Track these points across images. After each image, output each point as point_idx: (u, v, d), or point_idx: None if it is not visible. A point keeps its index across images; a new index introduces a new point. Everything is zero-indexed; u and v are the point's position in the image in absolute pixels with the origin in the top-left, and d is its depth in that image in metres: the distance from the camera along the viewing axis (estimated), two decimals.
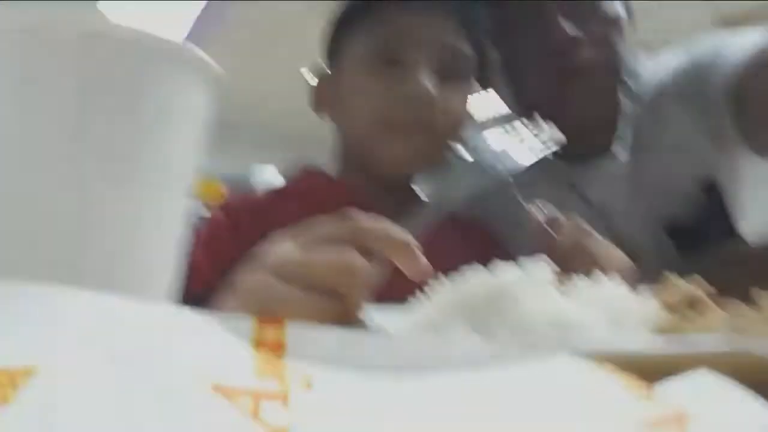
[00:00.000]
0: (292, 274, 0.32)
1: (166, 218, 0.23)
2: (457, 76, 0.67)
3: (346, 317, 0.32)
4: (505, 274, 0.36)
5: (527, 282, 0.36)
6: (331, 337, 0.18)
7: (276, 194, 0.70)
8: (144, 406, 0.12)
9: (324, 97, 0.72)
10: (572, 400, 0.16)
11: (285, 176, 0.77)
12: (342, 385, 0.15)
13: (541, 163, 0.78)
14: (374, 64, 0.65)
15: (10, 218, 0.20)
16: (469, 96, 0.69)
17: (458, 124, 0.67)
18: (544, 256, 0.38)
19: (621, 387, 0.17)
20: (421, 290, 0.38)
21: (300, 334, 0.17)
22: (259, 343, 0.16)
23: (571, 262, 0.51)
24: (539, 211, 0.58)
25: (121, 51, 0.21)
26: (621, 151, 0.77)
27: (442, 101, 0.64)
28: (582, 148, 0.74)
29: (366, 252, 0.33)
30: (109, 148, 0.21)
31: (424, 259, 0.34)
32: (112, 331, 0.14)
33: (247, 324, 0.16)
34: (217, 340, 0.15)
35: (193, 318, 0.16)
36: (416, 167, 0.67)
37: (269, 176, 6.41)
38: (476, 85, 0.72)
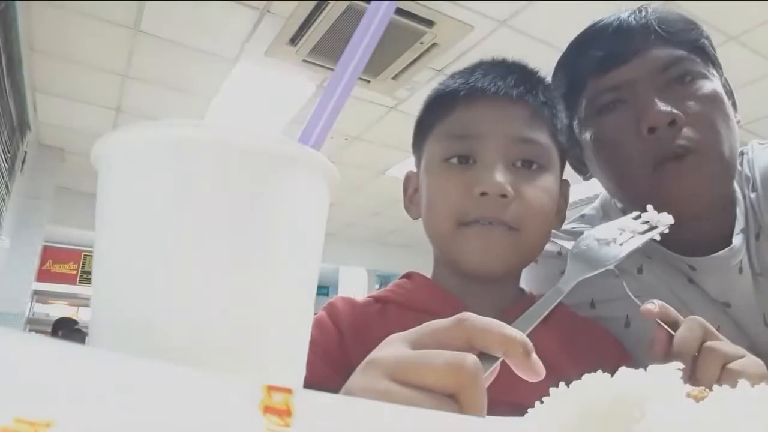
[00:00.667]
0: (407, 375, 0.32)
1: (299, 310, 0.24)
2: (536, 168, 0.64)
3: None
4: (630, 380, 0.33)
5: (656, 390, 0.33)
6: (339, 404, 0.18)
7: (377, 300, 0.69)
8: None
9: (414, 199, 0.72)
10: None
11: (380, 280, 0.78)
12: None
13: (653, 256, 0.73)
14: (448, 161, 0.65)
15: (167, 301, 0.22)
16: (551, 187, 0.66)
17: (541, 217, 0.64)
18: (676, 363, 0.34)
19: None
20: (539, 398, 0.35)
21: (308, 400, 0.17)
22: (267, 409, 0.16)
23: (696, 367, 0.46)
24: (654, 307, 0.51)
25: (258, 158, 0.23)
26: (740, 240, 0.71)
27: (520, 195, 0.62)
28: (694, 236, 0.69)
29: (481, 354, 0.32)
30: (246, 243, 0.22)
31: (538, 361, 0.33)
32: (129, 392, 0.14)
33: (257, 389, 0.16)
34: (227, 405, 0.16)
35: (205, 382, 0.16)
36: (501, 265, 0.64)
37: (358, 277, 6.54)
38: (559, 175, 0.69)
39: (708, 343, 0.48)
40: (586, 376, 0.35)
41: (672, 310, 0.51)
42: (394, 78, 3.04)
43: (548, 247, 0.80)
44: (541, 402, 0.35)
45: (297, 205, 0.25)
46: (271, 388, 0.16)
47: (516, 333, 0.33)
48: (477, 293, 0.65)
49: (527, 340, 0.33)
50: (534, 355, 0.33)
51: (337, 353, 0.60)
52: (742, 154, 0.76)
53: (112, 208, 0.25)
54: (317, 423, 0.16)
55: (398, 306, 0.66)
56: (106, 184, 0.25)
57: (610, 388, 0.33)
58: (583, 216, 0.86)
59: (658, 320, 0.51)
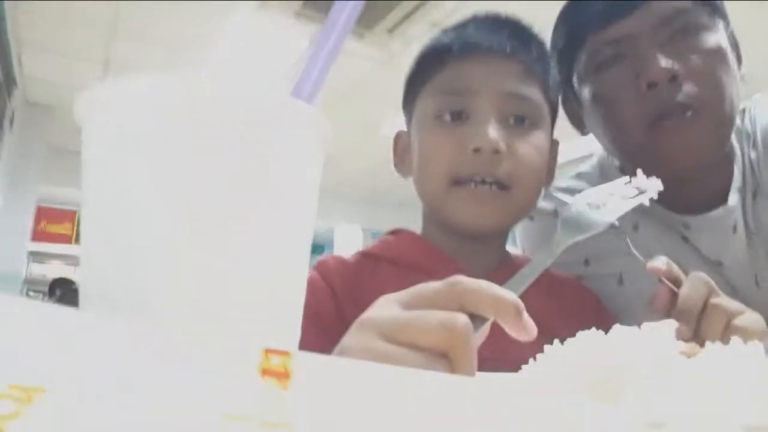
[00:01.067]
0: (398, 334, 0.32)
1: (294, 272, 0.24)
2: (528, 124, 0.64)
3: None
4: (623, 337, 0.33)
5: (650, 347, 0.33)
6: (337, 366, 0.18)
7: (365, 257, 0.69)
8: (149, 430, 0.12)
9: (406, 158, 0.72)
10: None
11: (374, 238, 0.77)
12: (346, 416, 0.16)
13: (648, 213, 0.73)
14: (440, 118, 0.64)
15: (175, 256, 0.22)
16: (543, 144, 0.66)
17: (533, 174, 0.64)
18: (671, 320, 0.34)
19: None
20: (533, 357, 0.35)
21: (306, 363, 0.17)
22: (265, 371, 0.16)
23: (700, 324, 0.46)
24: (662, 264, 0.51)
25: (246, 112, 0.22)
26: (736, 199, 0.70)
27: (513, 151, 0.61)
28: (689, 194, 0.68)
29: (472, 316, 0.33)
30: (238, 203, 0.22)
31: (530, 321, 0.33)
32: (124, 358, 0.14)
33: (255, 353, 0.17)
34: (225, 368, 0.16)
35: (202, 346, 0.16)
36: (493, 223, 0.64)
37: (353, 236, 6.58)
38: (550, 133, 0.68)
39: (713, 300, 0.48)
40: (580, 334, 0.35)
41: (675, 268, 0.51)
42: (389, 32, 2.97)
43: (544, 204, 0.80)
44: (535, 359, 0.35)
45: (290, 163, 0.24)
46: (268, 351, 0.16)
47: (507, 294, 0.33)
48: (466, 251, 0.66)
49: (518, 300, 0.33)
50: (525, 315, 0.33)
51: (332, 314, 0.61)
52: (743, 110, 0.75)
53: (96, 168, 0.24)
54: (315, 384, 0.16)
55: (389, 262, 0.66)
56: (89, 143, 0.24)
57: (604, 345, 0.33)
58: (579, 174, 0.85)
59: (662, 277, 0.51)
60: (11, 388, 0.12)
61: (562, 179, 0.84)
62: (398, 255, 0.68)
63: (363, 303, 0.57)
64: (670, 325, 0.34)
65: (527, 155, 0.62)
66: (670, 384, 0.31)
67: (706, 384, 0.31)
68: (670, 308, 0.47)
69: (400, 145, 0.73)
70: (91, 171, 0.24)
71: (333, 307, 0.62)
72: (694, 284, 0.49)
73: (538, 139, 0.64)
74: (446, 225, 0.66)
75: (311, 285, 0.64)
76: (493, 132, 0.60)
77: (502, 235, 0.69)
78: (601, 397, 0.31)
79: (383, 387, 0.17)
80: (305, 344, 0.62)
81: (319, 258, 0.69)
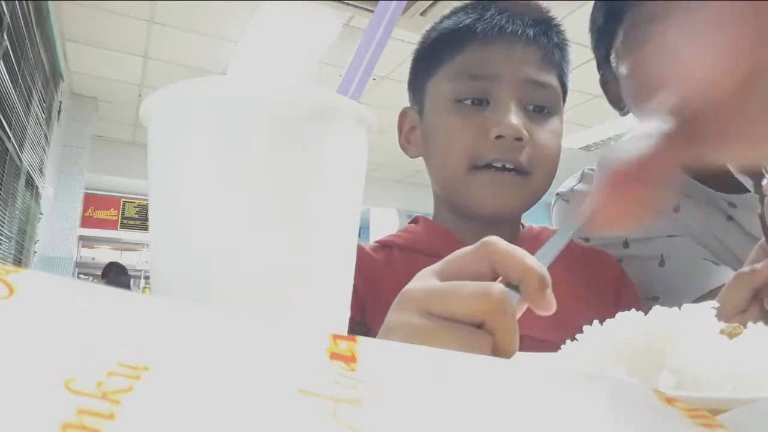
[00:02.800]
0: (435, 307, 0.33)
1: (345, 257, 0.26)
2: (547, 111, 0.64)
3: (498, 351, 0.31)
4: (664, 317, 0.34)
5: (690, 327, 0.33)
6: (401, 350, 0.19)
7: (382, 247, 0.69)
8: (237, 402, 0.13)
9: (412, 137, 0.71)
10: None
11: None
12: (412, 397, 0.16)
13: (691, 193, 0.72)
14: (461, 102, 0.63)
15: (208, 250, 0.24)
16: (559, 130, 0.66)
17: (552, 160, 0.64)
18: (711, 302, 0.34)
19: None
20: (572, 336, 0.36)
21: (371, 347, 0.18)
22: (333, 355, 0.17)
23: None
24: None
25: (300, 111, 0.24)
26: None
27: (533, 138, 0.61)
28: (731, 174, 0.67)
29: (508, 284, 0.33)
30: (293, 196, 0.24)
31: (552, 297, 0.33)
32: (208, 338, 0.16)
33: (323, 337, 0.18)
34: (299, 352, 0.17)
35: (277, 329, 0.18)
36: (511, 208, 0.64)
37: (389, 217, 6.59)
38: (563, 118, 0.68)
39: None
40: (619, 315, 0.36)
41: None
42: (422, 14, 2.94)
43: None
44: (575, 339, 0.36)
45: (342, 156, 0.26)
46: (336, 337, 0.18)
47: (536, 264, 0.33)
48: (479, 233, 0.65)
49: (546, 273, 0.33)
50: (549, 290, 0.33)
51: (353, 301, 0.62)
52: None
53: (161, 165, 0.26)
54: (380, 367, 0.17)
55: (404, 251, 0.67)
56: (155, 140, 0.26)
57: (644, 325, 0.33)
58: (583, 174, 0.85)
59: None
60: (120, 366, 0.14)
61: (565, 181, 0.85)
62: (414, 242, 0.68)
63: (379, 290, 0.58)
64: (711, 305, 0.34)
65: (547, 142, 0.63)
66: (712, 361, 0.31)
67: (747, 363, 0.31)
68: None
69: (407, 123, 0.72)
70: (156, 165, 0.26)
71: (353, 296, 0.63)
72: None
73: (555, 125, 0.65)
74: (462, 209, 0.66)
75: None
76: (516, 119, 0.60)
77: (517, 218, 0.69)
78: (642, 376, 0.32)
79: (443, 370, 0.18)
80: None
81: None
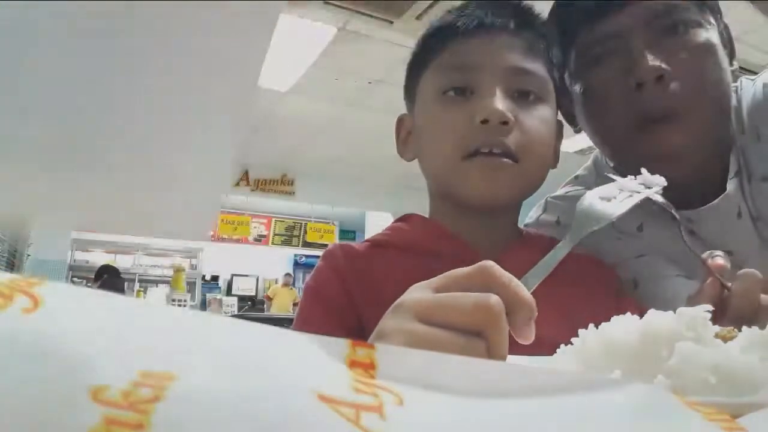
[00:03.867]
0: (434, 315, 0.33)
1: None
2: (534, 98, 0.64)
3: (491, 357, 0.32)
4: (659, 321, 0.34)
5: (685, 330, 0.33)
6: (418, 357, 0.19)
7: (375, 245, 0.69)
8: (260, 411, 0.14)
9: (407, 140, 0.72)
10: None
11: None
12: (431, 402, 0.16)
13: (652, 212, 0.72)
14: (446, 94, 0.64)
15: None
16: (549, 118, 0.66)
17: (541, 147, 0.64)
18: (706, 305, 0.35)
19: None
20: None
21: (389, 354, 0.18)
22: (352, 363, 0.17)
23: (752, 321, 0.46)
24: (721, 260, 0.51)
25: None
26: (735, 185, 0.69)
27: (519, 123, 0.61)
28: (686, 190, 0.66)
29: None
30: None
31: (533, 327, 0.34)
32: (230, 345, 0.16)
33: (343, 345, 0.18)
34: (319, 360, 0.17)
35: (296, 338, 0.18)
36: (504, 195, 0.64)
37: (384, 221, 6.59)
38: (555, 109, 0.68)
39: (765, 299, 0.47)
40: (614, 318, 0.36)
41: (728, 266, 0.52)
42: (418, 18, 2.95)
43: (546, 216, 0.81)
44: (570, 342, 0.36)
45: None
46: (354, 344, 0.18)
47: (527, 297, 0.34)
48: (476, 229, 0.66)
49: (534, 306, 0.34)
50: (533, 322, 0.34)
51: (338, 296, 0.62)
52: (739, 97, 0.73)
53: None
54: (397, 374, 0.17)
55: (398, 248, 0.67)
56: None
57: (639, 329, 0.34)
58: (577, 177, 0.86)
59: (716, 275, 0.50)
60: (146, 376, 0.14)
61: (559, 188, 0.85)
62: (408, 240, 0.68)
63: (374, 289, 0.59)
64: (705, 309, 0.34)
65: (534, 127, 0.63)
66: (707, 365, 0.31)
67: (741, 367, 0.31)
68: (718, 301, 0.47)
69: (403, 129, 0.73)
70: None
71: (339, 290, 0.63)
72: (747, 283, 0.48)
73: (543, 112, 0.65)
74: (457, 201, 0.66)
75: (317, 272, 0.66)
76: (500, 103, 0.60)
77: (513, 212, 0.69)
78: (637, 378, 0.32)
79: (456, 376, 0.18)
80: (314, 321, 0.65)
81: (327, 248, 0.70)
